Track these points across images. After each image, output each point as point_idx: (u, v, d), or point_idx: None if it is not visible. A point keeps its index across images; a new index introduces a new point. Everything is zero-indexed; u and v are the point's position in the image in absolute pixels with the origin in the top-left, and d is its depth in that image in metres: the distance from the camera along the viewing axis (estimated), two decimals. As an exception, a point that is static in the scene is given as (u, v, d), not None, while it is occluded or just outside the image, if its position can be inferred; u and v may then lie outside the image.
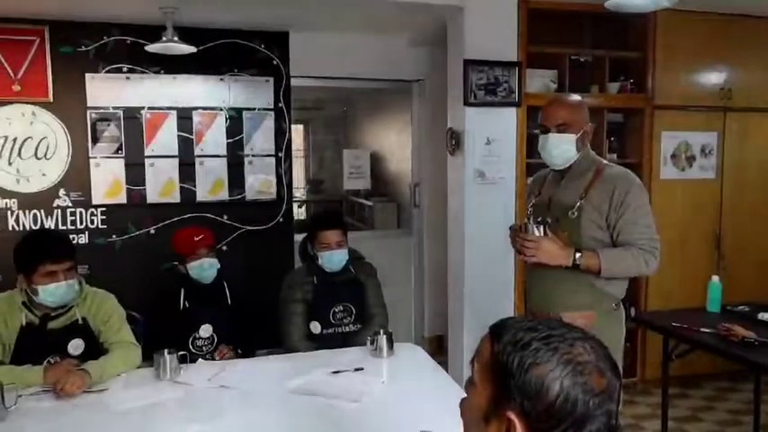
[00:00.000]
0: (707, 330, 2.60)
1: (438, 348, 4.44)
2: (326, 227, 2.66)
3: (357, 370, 2.16)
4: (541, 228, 2.09)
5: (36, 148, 3.52)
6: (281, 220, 3.98)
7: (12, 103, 3.47)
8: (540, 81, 3.61)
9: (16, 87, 3.47)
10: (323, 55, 4.06)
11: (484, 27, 3.42)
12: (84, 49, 3.57)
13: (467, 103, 3.43)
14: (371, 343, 2.33)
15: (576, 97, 2.31)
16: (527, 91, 3.52)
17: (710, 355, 2.94)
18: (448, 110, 3.70)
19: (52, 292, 2.13)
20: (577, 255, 2.05)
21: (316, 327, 2.66)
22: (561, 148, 2.13)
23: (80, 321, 2.24)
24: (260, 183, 3.93)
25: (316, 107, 6.42)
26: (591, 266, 2.05)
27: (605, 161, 2.24)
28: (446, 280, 3.90)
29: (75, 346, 2.21)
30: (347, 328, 2.71)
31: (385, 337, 2.31)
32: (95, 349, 2.25)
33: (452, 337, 3.74)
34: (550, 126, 2.14)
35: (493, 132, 3.47)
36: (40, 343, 2.16)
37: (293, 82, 3.97)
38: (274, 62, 3.92)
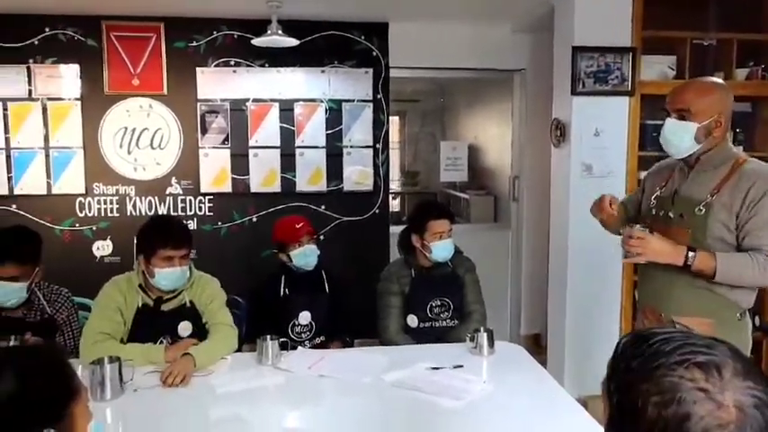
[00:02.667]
0: None
1: (535, 347, 4.28)
2: (439, 216, 2.62)
3: (456, 367, 2.10)
4: (646, 231, 1.91)
5: (152, 139, 3.74)
6: (377, 211, 3.99)
7: (131, 96, 3.70)
8: (656, 68, 3.35)
9: (135, 81, 3.70)
10: (422, 45, 4.00)
11: (594, 11, 3.21)
12: (195, 44, 3.74)
13: (574, 93, 3.25)
14: (471, 340, 2.26)
15: (711, 82, 2.01)
16: (641, 79, 3.27)
17: None
18: (553, 99, 3.53)
19: (166, 275, 2.24)
20: (690, 254, 1.84)
21: (413, 320, 2.63)
22: (677, 136, 1.92)
23: (188, 305, 2.35)
24: (357, 174, 3.95)
25: (412, 99, 6.38)
26: (704, 269, 1.83)
27: (745, 155, 1.98)
28: (545, 276, 3.74)
29: (184, 327, 2.32)
30: (444, 323, 2.65)
31: (486, 334, 2.24)
32: (202, 330, 2.35)
33: (552, 336, 3.59)
34: (671, 110, 1.96)
35: (602, 123, 3.27)
36: (153, 324, 2.29)
37: (391, 73, 3.95)
38: (374, 53, 3.92)
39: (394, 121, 6.48)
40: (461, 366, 2.11)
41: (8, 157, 3.61)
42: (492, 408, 1.85)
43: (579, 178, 3.26)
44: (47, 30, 3.59)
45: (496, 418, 1.79)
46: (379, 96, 3.94)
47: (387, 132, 3.99)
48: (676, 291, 1.95)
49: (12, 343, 2.07)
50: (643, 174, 2.41)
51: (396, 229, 3.83)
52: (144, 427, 1.72)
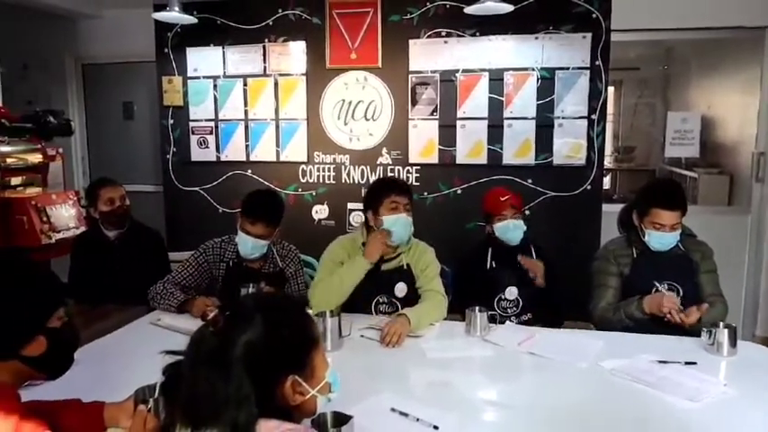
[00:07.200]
0: None
1: (773, 353, 3.68)
2: (666, 206, 2.28)
3: (688, 364, 1.86)
4: None
5: (366, 111, 3.92)
6: (588, 187, 3.71)
7: (349, 69, 3.91)
8: None
9: (353, 56, 3.89)
10: (649, 4, 3.58)
11: None
12: (409, 16, 3.80)
13: None
14: (708, 335, 1.98)
15: None
16: None
17: None
18: (824, 58, 2.92)
19: (394, 221, 2.38)
20: None
21: (634, 305, 2.38)
22: None
23: (405, 267, 2.46)
24: (569, 147, 3.70)
25: (631, 66, 5.81)
26: None
27: None
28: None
29: (401, 288, 2.44)
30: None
31: (726, 331, 1.95)
32: (415, 293, 2.44)
33: (802, 342, 3.03)
34: None
35: None
36: (373, 282, 2.41)
37: (612, 37, 3.60)
38: (593, 16, 3.60)
39: (608, 92, 6.01)
40: (695, 363, 1.87)
41: (246, 127, 4.08)
42: (734, 417, 1.59)
43: None
44: (279, 11, 3.94)
45: (740, 430, 1.54)
46: (597, 63, 3.62)
47: (605, 102, 3.67)
48: None
49: (250, 290, 2.34)
50: None
51: (608, 208, 3.54)
52: (359, 378, 1.81)
